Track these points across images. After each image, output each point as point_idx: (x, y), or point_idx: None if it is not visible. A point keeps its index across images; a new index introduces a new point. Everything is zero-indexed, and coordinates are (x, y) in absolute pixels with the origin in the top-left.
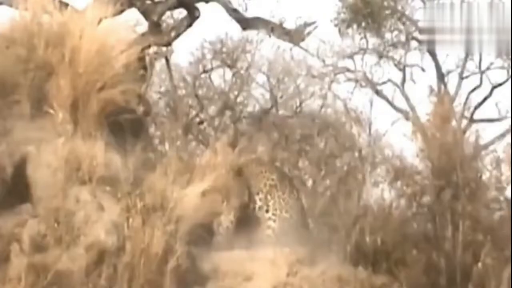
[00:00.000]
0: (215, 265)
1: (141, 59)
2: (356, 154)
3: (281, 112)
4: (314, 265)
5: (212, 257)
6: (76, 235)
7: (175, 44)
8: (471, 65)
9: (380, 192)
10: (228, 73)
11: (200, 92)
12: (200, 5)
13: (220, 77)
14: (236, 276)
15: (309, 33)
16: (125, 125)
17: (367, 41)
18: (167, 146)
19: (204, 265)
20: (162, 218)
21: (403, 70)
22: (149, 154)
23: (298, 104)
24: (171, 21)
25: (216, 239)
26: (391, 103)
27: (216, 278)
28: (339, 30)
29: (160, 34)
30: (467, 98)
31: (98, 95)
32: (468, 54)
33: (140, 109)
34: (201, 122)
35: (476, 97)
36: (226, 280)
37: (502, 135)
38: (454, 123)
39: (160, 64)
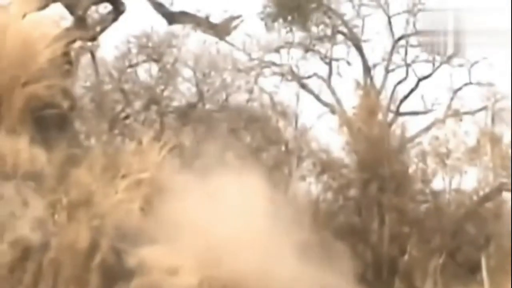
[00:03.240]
0: (141, 260)
1: (66, 53)
2: (283, 147)
3: (207, 106)
4: None
5: (137, 252)
6: (0, 231)
7: (101, 38)
8: (397, 58)
9: (307, 186)
10: (154, 68)
11: (126, 86)
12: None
13: (146, 72)
14: (162, 270)
15: (235, 27)
16: (50, 121)
17: (293, 35)
18: (92, 141)
19: (130, 260)
20: (87, 213)
21: (329, 63)
22: (74, 149)
23: (224, 98)
24: (96, 16)
25: None
26: (317, 97)
27: (141, 273)
28: (265, 24)
29: (86, 29)
30: (393, 91)
31: (22, 90)
32: (394, 47)
33: (65, 104)
34: (127, 117)
35: (402, 90)
36: (151, 275)
37: (428, 128)
38: (380, 116)
39: (85, 58)
